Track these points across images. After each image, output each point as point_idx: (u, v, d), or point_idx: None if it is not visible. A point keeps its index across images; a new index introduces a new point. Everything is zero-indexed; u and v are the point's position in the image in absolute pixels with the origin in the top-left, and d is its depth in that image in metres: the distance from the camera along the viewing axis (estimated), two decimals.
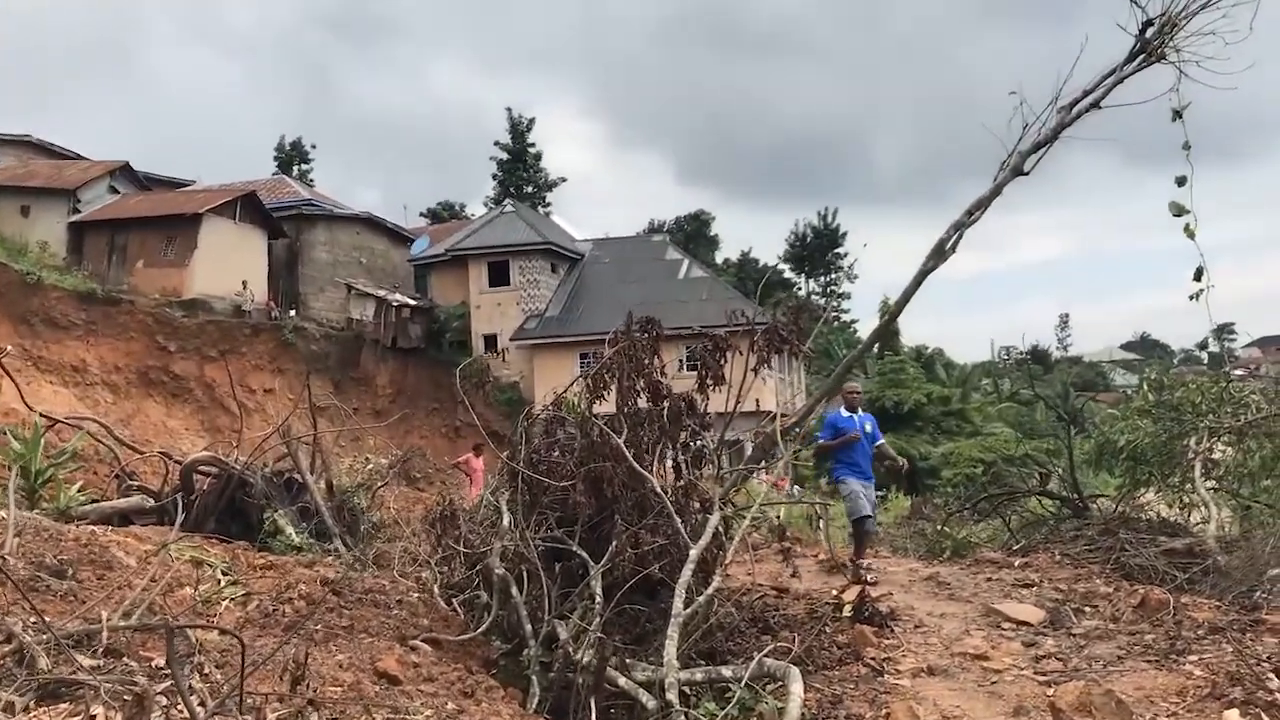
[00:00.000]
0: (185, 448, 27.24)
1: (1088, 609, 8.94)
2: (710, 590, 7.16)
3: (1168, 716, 6.35)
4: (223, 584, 8.01)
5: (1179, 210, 10.17)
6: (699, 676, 6.53)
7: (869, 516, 10.85)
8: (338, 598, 7.91)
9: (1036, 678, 7.05)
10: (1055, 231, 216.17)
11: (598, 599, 7.15)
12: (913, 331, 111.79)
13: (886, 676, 7.25)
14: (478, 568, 8.39)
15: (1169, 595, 8.69)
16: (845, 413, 10.92)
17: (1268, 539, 9.77)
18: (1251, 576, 9.23)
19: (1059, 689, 6.53)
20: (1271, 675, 6.65)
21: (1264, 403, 11.87)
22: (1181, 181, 10.08)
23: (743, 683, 6.24)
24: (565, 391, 8.88)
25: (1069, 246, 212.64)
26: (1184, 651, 7.27)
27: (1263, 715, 6.13)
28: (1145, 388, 14.51)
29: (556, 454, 8.30)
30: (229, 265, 39.68)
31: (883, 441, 11.13)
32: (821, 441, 10.94)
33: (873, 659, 7.57)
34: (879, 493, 11.77)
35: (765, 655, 6.48)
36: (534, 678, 6.93)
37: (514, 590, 7.52)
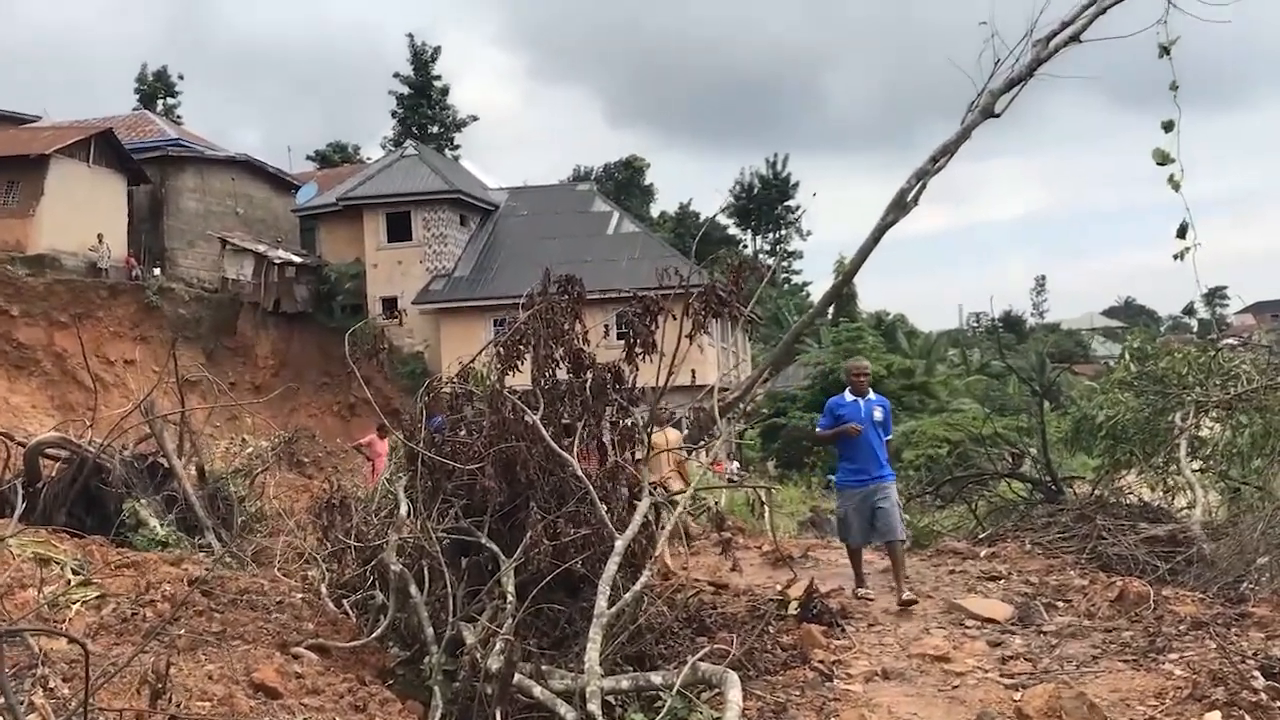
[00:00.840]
0: (31, 428, 26.56)
1: (1060, 604, 9.13)
2: (638, 586, 7.18)
3: None
4: (73, 584, 7.85)
5: (1163, 158, 10.36)
6: (625, 684, 6.56)
7: (863, 544, 10.00)
8: (207, 599, 7.81)
9: (1003, 680, 7.18)
10: (1031, 183, 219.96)
11: (510, 598, 7.14)
12: (871, 295, 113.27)
13: (836, 681, 7.34)
14: (372, 564, 8.33)
15: (1149, 587, 8.91)
16: (849, 396, 9.92)
17: (1257, 524, 10.05)
18: (1239, 566, 9.51)
19: (1027, 693, 6.67)
20: (1257, 674, 6.86)
21: (1255, 374, 12.19)
22: (1169, 126, 10.26)
23: (674, 690, 6.28)
24: (473, 361, 8.81)
25: (1047, 200, 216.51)
26: (1164, 649, 7.46)
27: (1246, 717, 6.33)
28: (1127, 357, 14.85)
29: (462, 433, 8.28)
30: (81, 216, 38.65)
31: (889, 438, 10.08)
32: (819, 431, 10.21)
33: (821, 662, 7.65)
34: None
35: (700, 659, 6.51)
36: (436, 688, 6.88)
37: (413, 589, 7.47)
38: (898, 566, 9.52)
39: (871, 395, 9.96)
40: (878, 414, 9.82)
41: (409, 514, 8.02)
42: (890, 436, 10.01)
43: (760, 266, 10.74)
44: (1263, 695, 6.52)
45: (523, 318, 8.26)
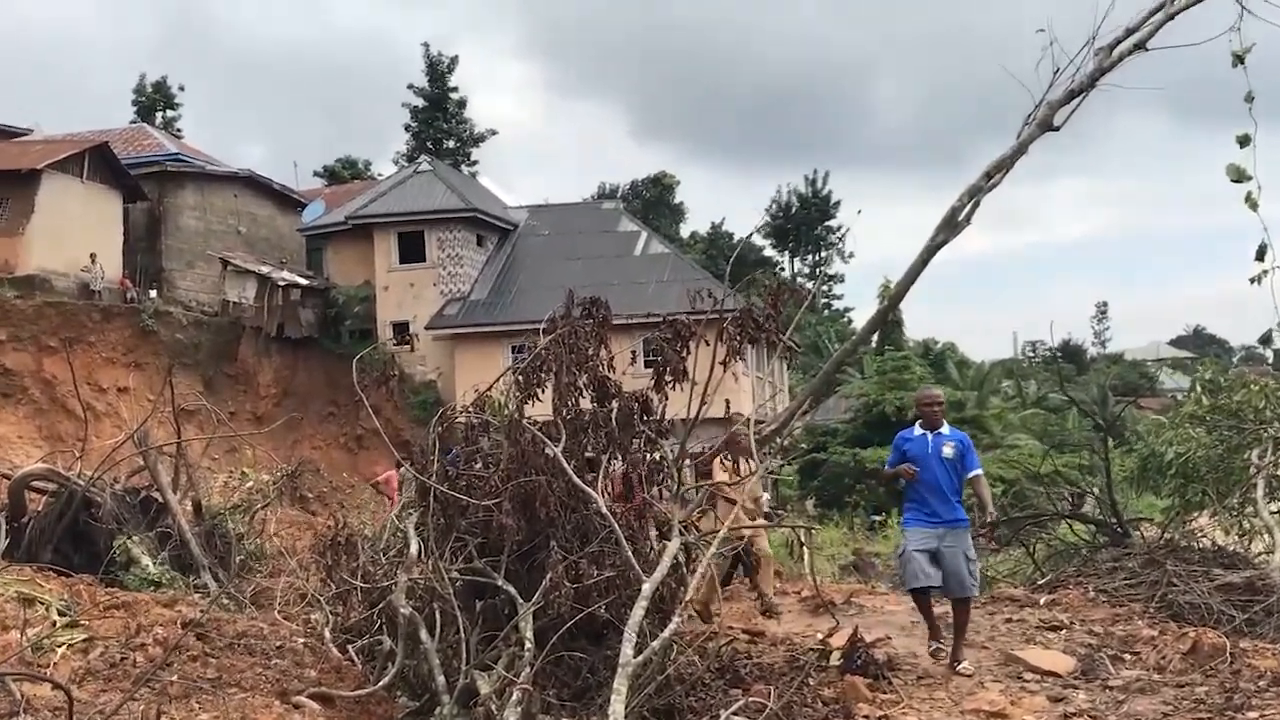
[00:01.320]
0: (17, 460, 26.79)
1: (1127, 656, 9.04)
2: (667, 633, 7.12)
3: None
4: (59, 626, 7.87)
5: (1238, 175, 10.29)
6: None
7: (931, 587, 9.18)
8: (202, 643, 7.83)
9: None
10: (1092, 204, 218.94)
11: (528, 644, 7.11)
12: (919, 322, 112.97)
13: None
14: (380, 607, 8.31)
15: (1225, 639, 8.81)
16: (918, 430, 9.38)
17: None
18: None
19: None
20: None
21: None
22: (1244, 141, 10.19)
23: None
24: (490, 389, 8.81)
25: (1109, 222, 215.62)
26: (1243, 707, 7.39)
27: None
28: (1198, 390, 14.74)
29: (478, 466, 8.28)
30: (74, 234, 39.03)
31: (979, 473, 9.37)
32: (885, 469, 9.71)
33: (866, 717, 7.58)
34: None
35: (734, 713, 6.45)
36: None
37: (424, 634, 7.45)
38: (960, 628, 9.07)
39: (945, 429, 9.37)
40: (947, 450, 9.18)
41: (420, 553, 7.98)
42: (978, 471, 9.33)
43: (799, 289, 10.73)
44: None
45: (544, 342, 8.26)
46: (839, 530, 30.74)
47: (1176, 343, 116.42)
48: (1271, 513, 12.34)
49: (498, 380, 8.84)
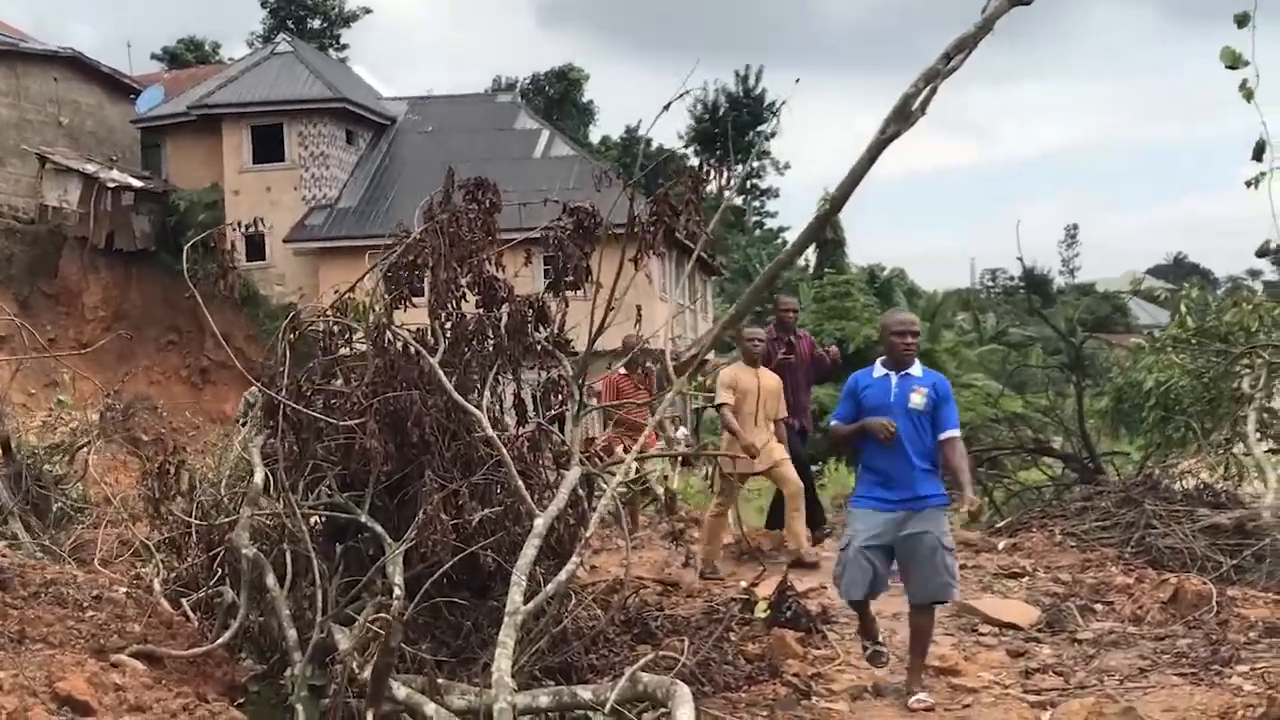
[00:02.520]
0: None
1: (1099, 606, 9.18)
2: (564, 575, 7.04)
3: None
4: None
5: (1234, 60, 10.33)
6: (544, 700, 6.45)
7: (864, 599, 7.71)
8: (2, 593, 7.59)
9: (1026, 698, 7.22)
10: (1064, 111, 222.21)
11: (397, 592, 6.96)
12: (865, 246, 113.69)
13: (815, 699, 7.30)
14: (220, 553, 8.14)
15: (1211, 586, 8.96)
16: (879, 370, 7.78)
17: None
18: None
19: (1059, 709, 6.62)
20: None
21: None
22: (1243, 21, 10.23)
23: (608, 707, 6.15)
24: (352, 290, 8.56)
25: (1082, 132, 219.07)
26: (1231, 660, 7.50)
27: None
28: (1183, 310, 14.90)
29: (338, 381, 8.08)
30: None
31: (955, 434, 7.65)
32: (834, 425, 7.92)
33: (796, 675, 7.60)
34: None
35: (641, 669, 6.36)
36: (300, 707, 6.72)
37: (271, 580, 7.27)
38: (920, 645, 7.55)
39: (917, 369, 7.70)
40: (916, 399, 7.51)
41: (266, 485, 7.76)
42: (953, 432, 7.60)
43: (727, 180, 10.52)
44: None
45: (419, 231, 8.03)
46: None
47: (1156, 272, 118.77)
48: (1264, 451, 12.52)
49: (362, 277, 8.60)
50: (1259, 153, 10.55)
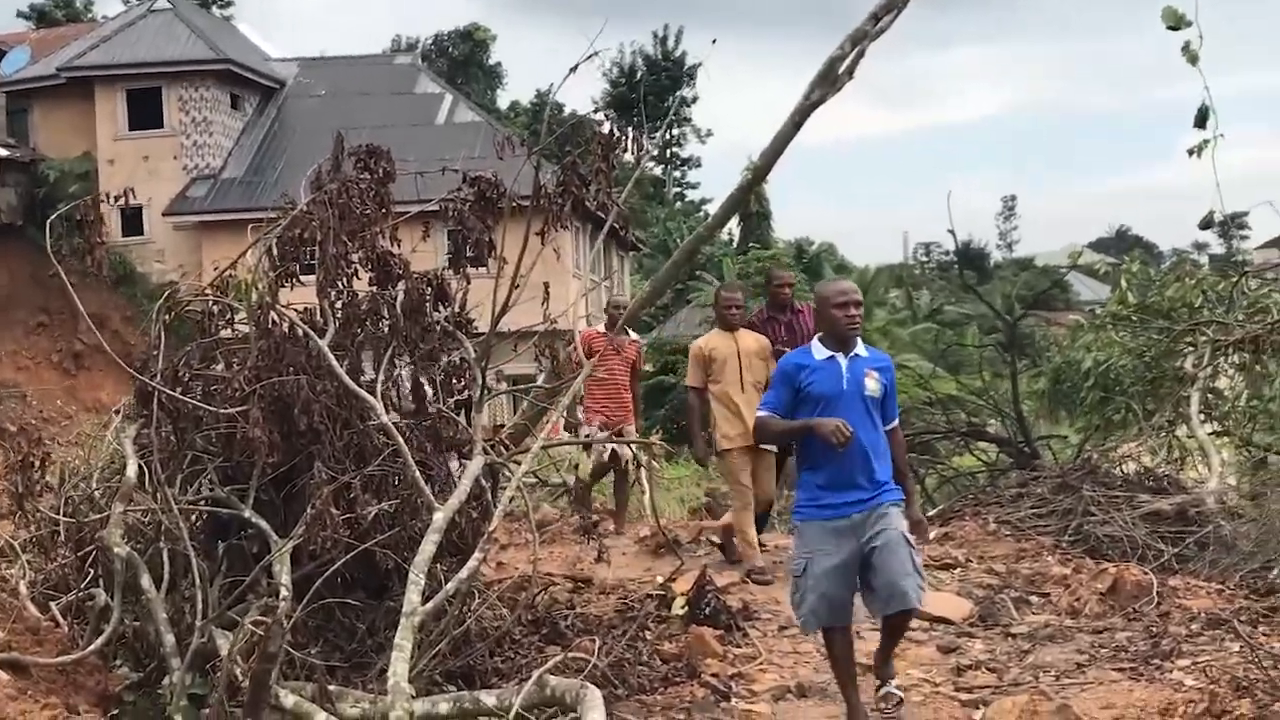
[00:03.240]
0: None
1: (1035, 598, 9.28)
2: (465, 573, 7.01)
3: None
4: None
5: (1176, 20, 10.43)
6: (444, 707, 6.40)
7: (837, 628, 6.96)
8: None
9: (958, 695, 7.27)
10: (1001, 76, 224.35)
11: (285, 592, 6.91)
12: (792, 219, 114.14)
13: (735, 700, 7.30)
14: (90, 552, 8.07)
15: (1151, 576, 9.09)
16: (822, 350, 6.95)
17: None
18: (1267, 549, 9.75)
19: (991, 708, 6.68)
20: None
21: None
22: None
23: (512, 714, 6.12)
24: (234, 267, 8.46)
25: (1020, 99, 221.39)
26: (1172, 653, 7.60)
27: None
28: (1124, 286, 15.09)
29: (219, 366, 7.99)
30: None
31: (896, 423, 7.18)
32: (762, 417, 7.09)
33: (715, 675, 7.61)
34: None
35: (548, 671, 6.35)
36: (178, 718, 6.68)
37: (146, 581, 7.20)
38: (891, 640, 7.08)
39: (862, 350, 6.96)
40: (871, 384, 6.84)
41: (141, 478, 7.66)
42: (895, 421, 7.12)
43: (640, 147, 10.43)
44: None
45: (306, 202, 7.94)
46: (689, 469, 31.02)
47: (1097, 245, 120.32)
48: (1208, 433, 12.71)
49: (244, 253, 8.49)
50: (1201, 119, 10.66)
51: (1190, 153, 10.77)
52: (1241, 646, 7.48)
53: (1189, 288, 13.86)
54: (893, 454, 6.97)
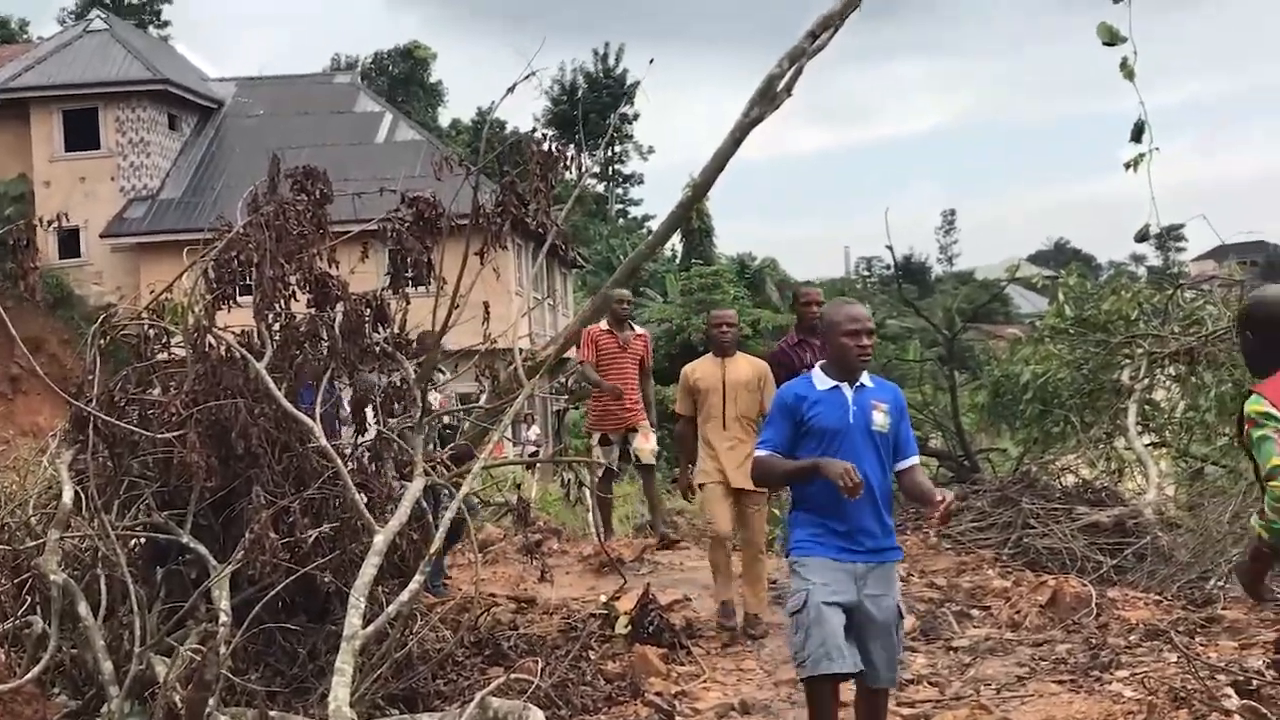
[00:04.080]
0: None
1: (976, 611, 9.32)
2: (406, 596, 6.99)
3: None
4: None
5: (1111, 36, 10.56)
6: None
7: (845, 674, 6.08)
8: None
9: (900, 710, 7.24)
10: (942, 92, 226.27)
11: (224, 618, 6.86)
12: (735, 236, 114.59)
13: (679, 719, 7.29)
14: (26, 578, 7.93)
15: (1090, 588, 9.15)
16: (824, 380, 6.25)
17: (1225, 508, 10.39)
18: (1204, 560, 9.83)
19: None
20: (1229, 691, 7.04)
21: (1228, 313, 12.56)
22: None
23: None
24: (169, 290, 8.40)
25: (961, 113, 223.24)
26: (1111, 665, 7.64)
27: None
28: (1061, 299, 15.21)
29: (156, 390, 7.92)
30: None
31: (917, 460, 6.45)
32: (760, 455, 6.33)
33: (659, 694, 7.61)
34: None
35: (490, 693, 6.36)
36: None
37: (83, 608, 7.12)
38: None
39: (867, 380, 6.28)
40: (879, 417, 6.19)
41: (77, 504, 7.59)
42: (915, 459, 6.38)
43: (575, 157, 10.33)
44: (1237, 718, 6.68)
45: (243, 224, 7.90)
46: (635, 484, 31.00)
47: (1037, 258, 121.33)
48: (1145, 445, 12.83)
49: (180, 276, 8.43)
50: (1138, 134, 10.78)
51: (1127, 166, 10.92)
52: (1179, 657, 7.54)
53: (1125, 301, 13.98)
54: (918, 491, 6.26)
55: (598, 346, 12.03)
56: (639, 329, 12.72)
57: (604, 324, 12.21)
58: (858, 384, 6.16)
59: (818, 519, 6.11)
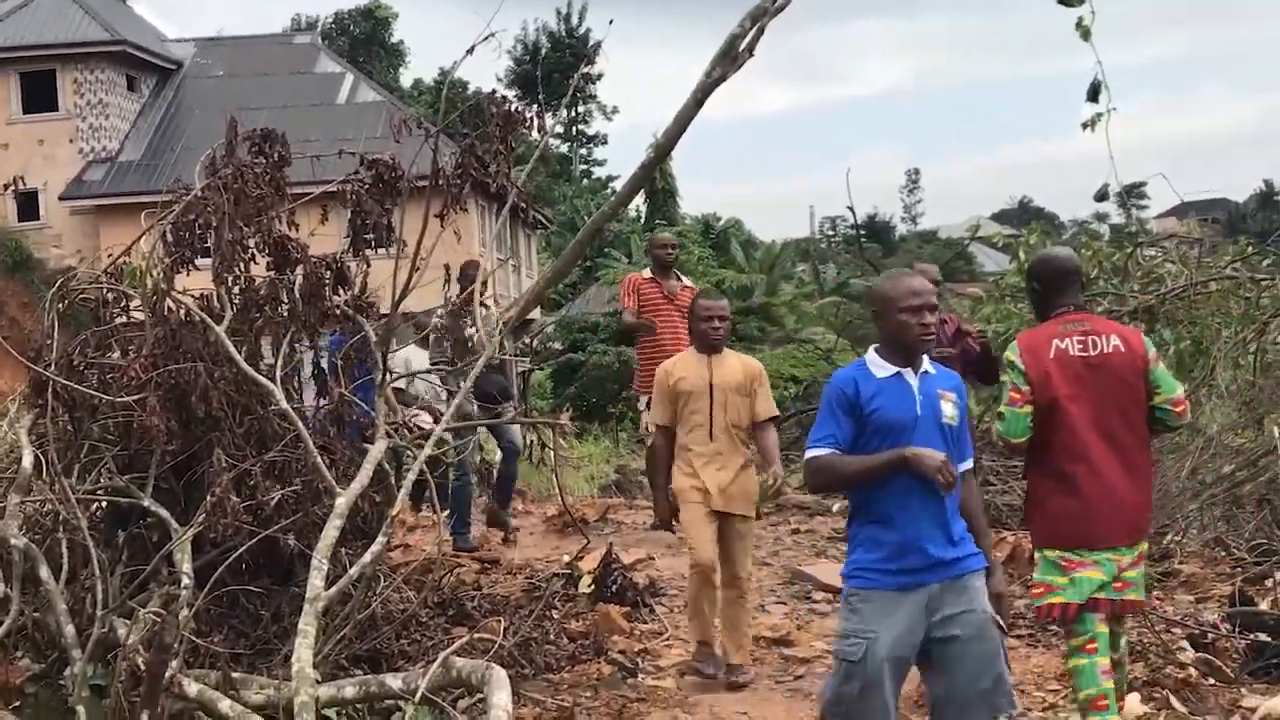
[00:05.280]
0: None
1: None
2: (368, 557, 7.00)
3: (1044, 710, 6.72)
4: None
5: None
6: (350, 691, 6.42)
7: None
8: None
9: None
10: (904, 51, 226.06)
11: (186, 580, 6.86)
12: (698, 197, 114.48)
13: (641, 677, 7.41)
14: None
15: None
16: (883, 366, 5.35)
17: (1183, 464, 10.49)
18: (1161, 516, 9.92)
19: None
20: (1185, 645, 7.17)
21: (1187, 271, 12.63)
22: None
23: (418, 696, 6.14)
24: (128, 253, 8.36)
25: (924, 73, 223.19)
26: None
27: (1172, 699, 6.58)
28: (1021, 257, 15.24)
29: (115, 354, 7.88)
30: None
31: (970, 467, 5.52)
32: (817, 456, 5.28)
33: (622, 652, 7.72)
34: None
35: (455, 653, 6.37)
36: (81, 709, 6.59)
37: (44, 572, 7.12)
38: None
39: (928, 366, 5.38)
40: (948, 408, 5.33)
41: (37, 468, 7.58)
42: (968, 465, 5.48)
43: (537, 118, 10.12)
44: (1192, 671, 6.80)
45: (201, 187, 7.85)
46: (599, 445, 31.11)
47: (1000, 217, 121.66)
48: None
49: (139, 239, 8.39)
50: (1094, 94, 10.81)
51: (1084, 126, 10.96)
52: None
53: (1085, 259, 14.03)
54: (967, 506, 5.39)
55: (640, 295, 10.96)
56: (687, 280, 11.49)
57: (646, 271, 11.17)
58: (922, 370, 5.31)
59: (881, 533, 5.17)
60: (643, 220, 60.08)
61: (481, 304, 9.79)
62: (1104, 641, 5.73)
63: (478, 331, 9.24)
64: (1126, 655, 6.35)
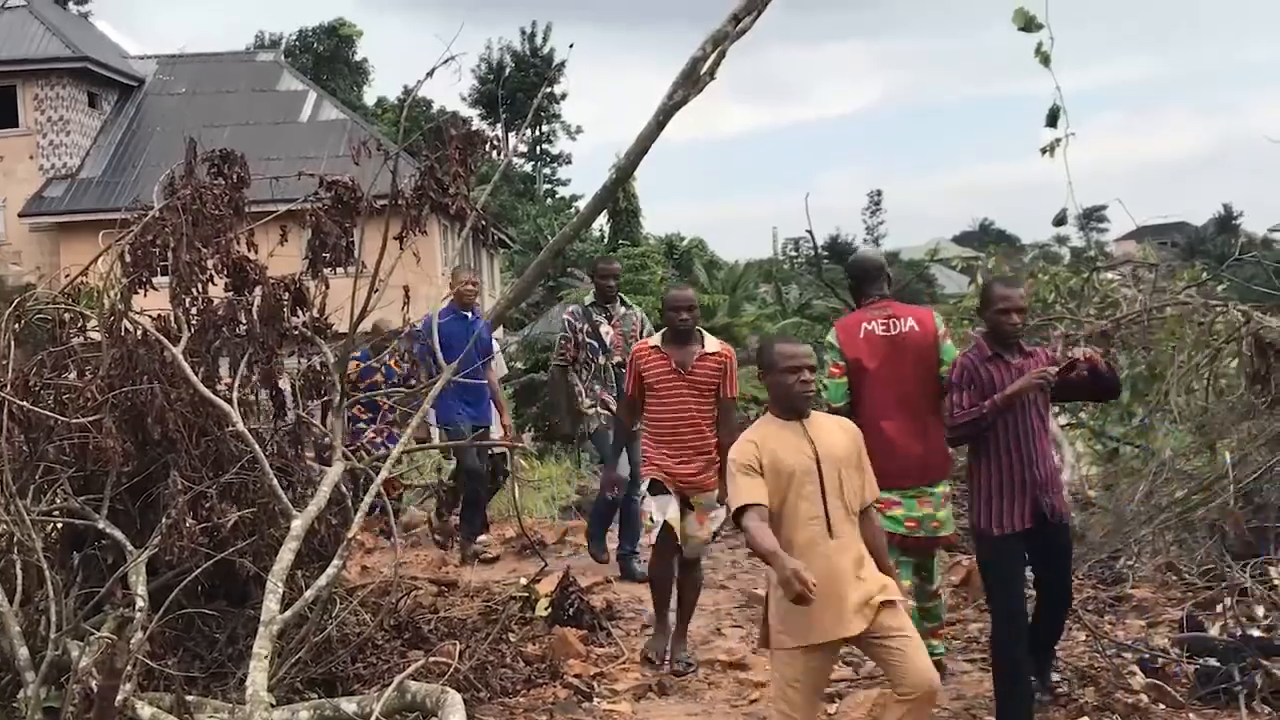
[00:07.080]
0: None
1: None
2: (324, 580, 7.00)
3: None
4: None
5: (1026, 22, 10.69)
6: (304, 715, 6.43)
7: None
8: None
9: None
10: (869, 73, 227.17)
11: (140, 603, 6.84)
12: (664, 217, 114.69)
13: (597, 700, 7.40)
14: None
15: None
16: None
17: (1136, 489, 10.57)
18: (1115, 540, 10.00)
19: (844, 702, 6.81)
20: (1135, 670, 7.23)
21: (1142, 296, 12.74)
22: None
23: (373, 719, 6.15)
24: (84, 274, 8.33)
25: (888, 94, 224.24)
26: None
27: None
28: (980, 281, 15.35)
29: (72, 375, 7.84)
30: None
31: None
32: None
33: (578, 676, 7.69)
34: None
35: (409, 676, 6.39)
36: None
37: None
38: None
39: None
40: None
41: None
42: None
43: (496, 140, 10.15)
44: (1143, 696, 6.85)
45: (160, 207, 7.84)
46: (560, 467, 31.02)
47: (962, 239, 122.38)
48: (1061, 425, 12.97)
49: (96, 259, 8.36)
50: (1053, 119, 10.93)
51: (1043, 151, 11.07)
52: (1088, 636, 7.71)
53: (1041, 283, 14.12)
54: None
55: (641, 372, 8.08)
56: (713, 342, 8.12)
57: (654, 338, 8.21)
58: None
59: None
60: (606, 240, 60.15)
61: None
62: (906, 569, 7.03)
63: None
64: (943, 585, 7.87)
